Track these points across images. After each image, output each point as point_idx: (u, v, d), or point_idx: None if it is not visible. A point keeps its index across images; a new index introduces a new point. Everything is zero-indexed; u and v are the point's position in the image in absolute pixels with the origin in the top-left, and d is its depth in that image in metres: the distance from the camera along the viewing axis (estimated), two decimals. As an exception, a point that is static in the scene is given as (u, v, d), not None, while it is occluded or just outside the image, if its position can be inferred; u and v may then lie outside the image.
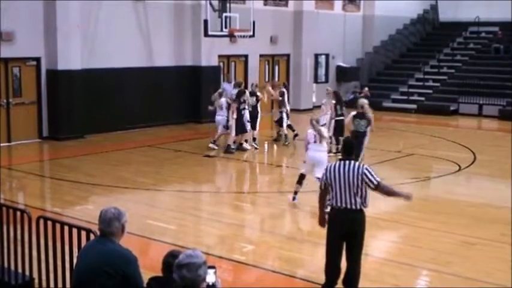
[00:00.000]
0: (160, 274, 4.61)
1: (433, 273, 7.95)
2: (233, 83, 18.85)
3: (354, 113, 12.76)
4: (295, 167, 15.28)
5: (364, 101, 12.87)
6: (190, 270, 3.94)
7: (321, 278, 7.02)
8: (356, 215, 6.70)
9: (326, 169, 6.85)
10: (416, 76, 27.14)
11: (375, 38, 28.47)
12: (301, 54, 24.62)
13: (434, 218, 10.24)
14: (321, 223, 7.05)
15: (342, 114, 15.63)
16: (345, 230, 6.74)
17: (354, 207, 6.65)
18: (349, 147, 6.93)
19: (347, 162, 6.72)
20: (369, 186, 6.63)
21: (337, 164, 6.78)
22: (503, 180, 13.58)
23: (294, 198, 10.96)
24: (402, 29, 30.03)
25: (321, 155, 10.76)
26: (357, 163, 6.75)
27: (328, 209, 6.93)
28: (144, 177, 13.00)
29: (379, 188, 6.69)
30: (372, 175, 6.63)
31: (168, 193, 12.12)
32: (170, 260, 4.51)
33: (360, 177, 6.60)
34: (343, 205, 6.67)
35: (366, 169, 6.68)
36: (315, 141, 10.79)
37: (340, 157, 6.99)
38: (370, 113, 12.79)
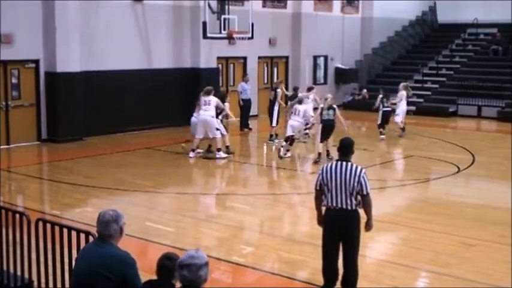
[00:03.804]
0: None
1: (432, 274, 7.95)
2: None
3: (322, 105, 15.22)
4: (294, 169, 15.30)
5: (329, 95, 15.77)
6: (191, 271, 3.97)
7: (321, 280, 7.02)
8: (351, 215, 6.72)
9: (322, 169, 6.85)
10: (415, 78, 27.14)
11: (374, 40, 28.50)
12: (300, 56, 24.64)
13: (433, 220, 10.23)
14: (320, 223, 7.08)
15: (387, 107, 18.58)
16: (340, 230, 6.76)
17: (349, 207, 6.67)
18: (346, 148, 6.90)
19: (344, 163, 6.73)
20: (359, 191, 6.65)
21: (333, 165, 6.78)
22: (502, 181, 13.59)
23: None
24: (401, 30, 30.06)
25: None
26: (355, 165, 6.75)
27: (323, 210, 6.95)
28: (143, 179, 13.00)
29: (365, 198, 6.71)
30: (366, 182, 6.67)
31: (167, 195, 12.11)
32: (165, 263, 4.51)
33: (357, 179, 6.61)
34: (339, 205, 6.68)
35: (365, 174, 6.71)
36: None
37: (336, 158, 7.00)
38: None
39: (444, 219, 10.32)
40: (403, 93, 19.01)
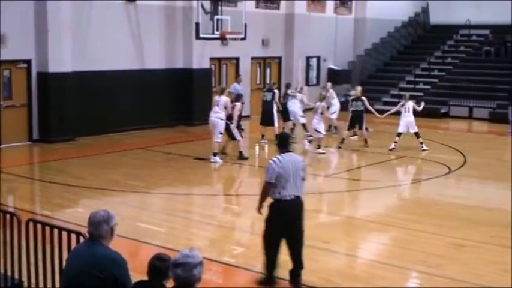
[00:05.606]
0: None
1: (424, 275, 7.97)
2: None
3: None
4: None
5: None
6: (185, 270, 4.00)
7: (310, 280, 7.04)
8: (302, 201, 7.09)
9: (275, 163, 7.00)
10: (407, 79, 27.23)
11: (367, 41, 28.55)
12: (293, 57, 24.67)
13: (424, 220, 10.26)
14: (260, 210, 7.35)
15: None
16: (293, 219, 7.06)
17: (301, 194, 7.05)
18: (285, 141, 7.26)
19: (289, 153, 7.10)
20: (302, 177, 7.08)
21: (284, 157, 7.03)
22: (494, 182, 13.64)
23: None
24: (393, 31, 30.13)
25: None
26: (295, 154, 7.26)
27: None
28: (135, 179, 12.97)
29: (303, 183, 7.18)
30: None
31: (159, 196, 12.10)
32: (156, 264, 4.52)
33: (302, 165, 7.10)
34: (294, 194, 6.98)
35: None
36: None
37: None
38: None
39: (435, 219, 10.35)
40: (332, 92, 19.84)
